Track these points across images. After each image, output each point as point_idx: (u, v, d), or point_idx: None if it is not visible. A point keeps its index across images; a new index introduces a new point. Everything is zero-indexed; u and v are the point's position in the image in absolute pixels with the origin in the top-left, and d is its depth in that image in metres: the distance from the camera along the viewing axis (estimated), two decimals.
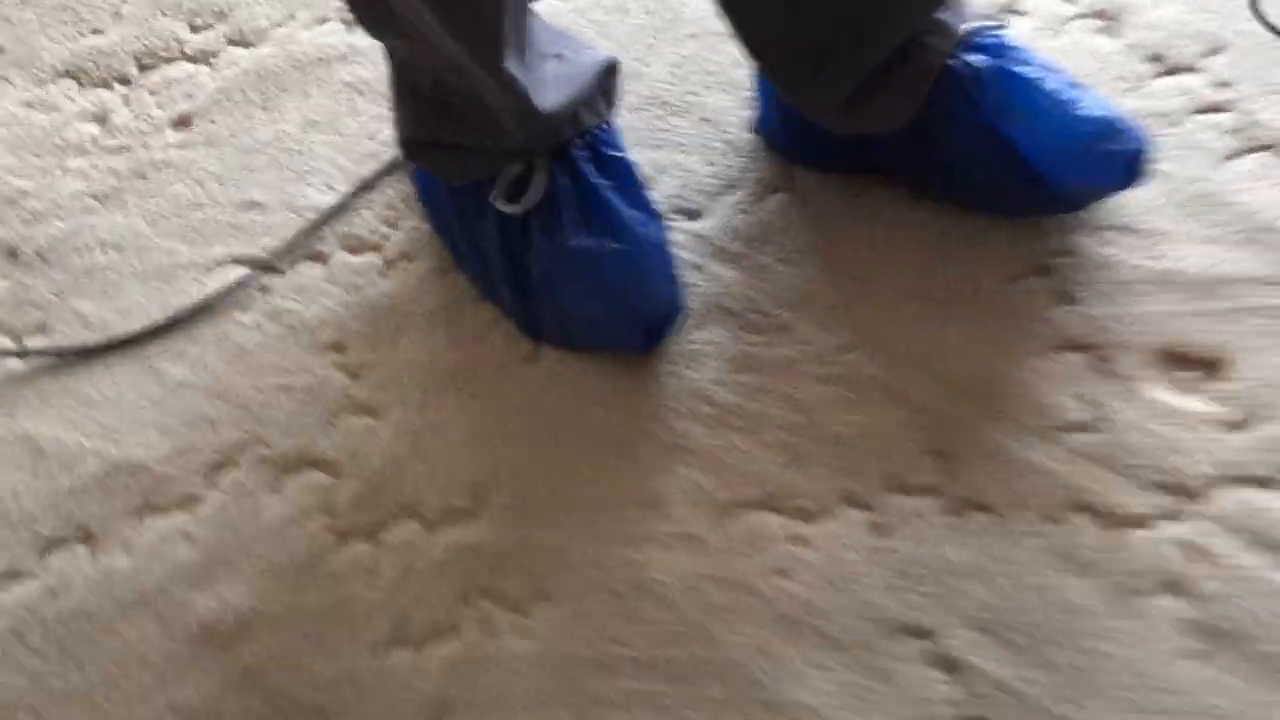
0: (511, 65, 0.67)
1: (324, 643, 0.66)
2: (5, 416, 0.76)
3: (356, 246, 0.82)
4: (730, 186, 0.81)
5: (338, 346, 0.77)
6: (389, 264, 0.81)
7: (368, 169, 0.86)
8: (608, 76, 0.76)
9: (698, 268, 0.78)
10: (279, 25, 0.94)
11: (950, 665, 0.63)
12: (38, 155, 0.88)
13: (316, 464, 0.73)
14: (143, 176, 0.87)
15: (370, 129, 0.88)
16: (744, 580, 0.66)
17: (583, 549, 0.68)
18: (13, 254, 0.83)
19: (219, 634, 0.67)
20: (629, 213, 0.73)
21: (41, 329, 0.80)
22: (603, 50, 0.76)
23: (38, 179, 0.87)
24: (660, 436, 0.72)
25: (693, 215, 0.81)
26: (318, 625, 0.67)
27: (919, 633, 0.64)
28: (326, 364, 0.77)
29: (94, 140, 0.89)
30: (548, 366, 0.75)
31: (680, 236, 0.79)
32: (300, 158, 0.87)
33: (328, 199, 0.84)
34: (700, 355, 0.74)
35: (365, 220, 0.83)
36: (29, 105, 0.91)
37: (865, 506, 0.68)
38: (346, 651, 0.66)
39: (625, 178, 0.75)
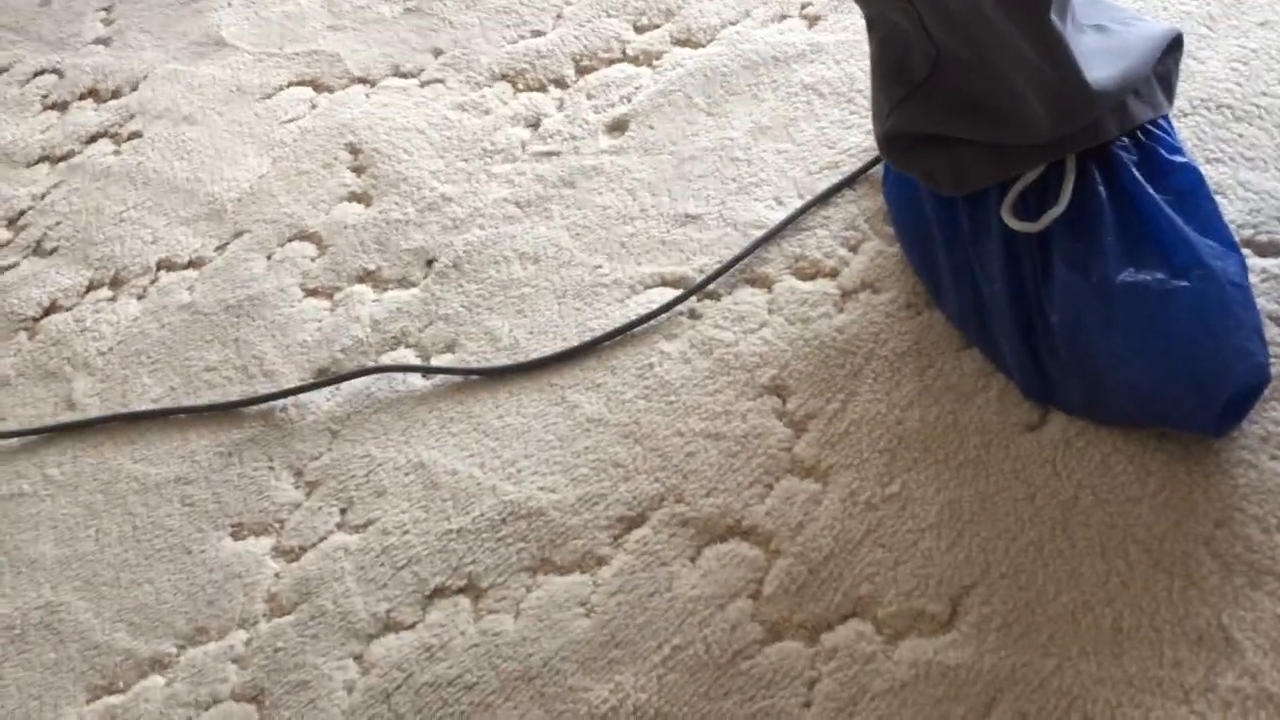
0: (1056, 20, 0.49)
1: None
2: (402, 441, 0.67)
3: (807, 271, 0.67)
4: None
5: (779, 390, 0.62)
6: (846, 294, 0.65)
7: (825, 182, 0.71)
8: (1169, 55, 0.57)
9: (1277, 320, 0.56)
10: (732, 23, 0.82)
11: None
12: (465, 160, 0.81)
13: (745, 534, 0.58)
14: (570, 185, 0.77)
15: (829, 136, 0.73)
16: None
17: (1108, 696, 0.48)
18: (429, 262, 0.75)
19: None
20: (1199, 240, 0.53)
21: (450, 346, 0.71)
22: (1159, 22, 0.57)
23: (463, 184, 0.79)
24: (1228, 551, 0.50)
25: (1269, 251, 0.59)
26: None
27: None
28: (765, 411, 0.62)
29: (524, 145, 0.81)
30: (1058, 438, 0.56)
31: (1254, 279, 0.58)
32: (746, 167, 0.74)
33: (776, 215, 0.70)
34: None
35: (819, 241, 0.68)
36: (461, 108, 0.84)
37: None
38: None
39: (1190, 191, 0.55)
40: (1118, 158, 0.55)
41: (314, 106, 0.89)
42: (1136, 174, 0.55)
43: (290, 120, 0.88)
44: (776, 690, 0.52)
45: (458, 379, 0.69)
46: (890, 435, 0.59)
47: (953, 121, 0.55)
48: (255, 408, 0.70)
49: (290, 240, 0.80)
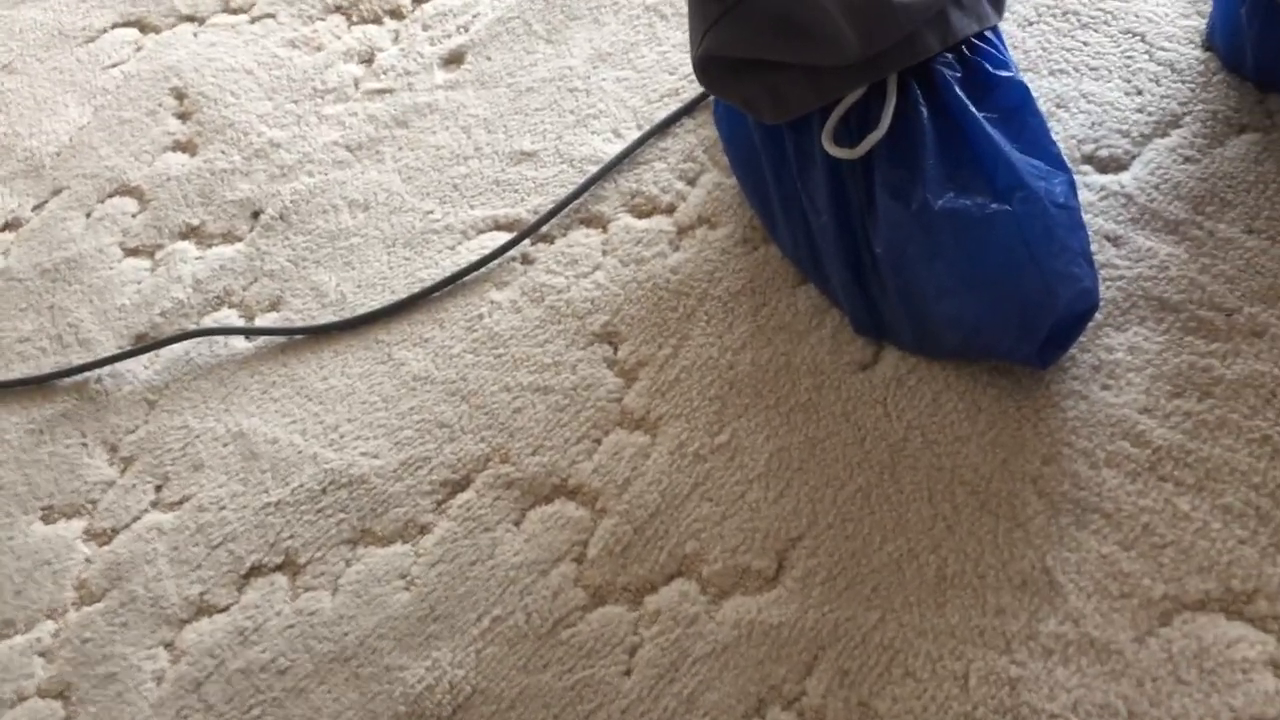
0: None
1: None
2: (222, 409, 0.63)
3: (644, 208, 0.63)
4: (1168, 124, 0.56)
5: (611, 337, 0.59)
6: (682, 231, 0.62)
7: (665, 111, 0.67)
8: None
9: (1116, 240, 0.54)
10: None
11: None
12: (295, 102, 0.76)
13: (571, 493, 0.55)
14: (404, 124, 0.72)
15: (671, 61, 0.69)
16: None
17: (929, 648, 0.46)
18: (255, 214, 0.71)
19: (428, 716, 0.50)
20: (1021, 159, 0.50)
21: (274, 304, 0.66)
22: None
23: (292, 128, 0.74)
24: (1055, 489, 0.48)
25: (1109, 166, 0.56)
26: (553, 718, 0.49)
27: None
28: (595, 360, 0.59)
29: (356, 83, 0.76)
30: (891, 378, 0.53)
31: (1092, 196, 0.55)
32: (585, 98, 0.69)
33: (613, 149, 0.66)
34: (1120, 369, 0.50)
35: (657, 175, 0.64)
36: (293, 45, 0.79)
37: None
38: None
39: (1016, 108, 0.52)
40: (940, 76, 0.52)
41: (139, 49, 0.83)
42: (959, 92, 0.51)
43: (113, 65, 0.82)
44: (596, 659, 0.50)
45: (281, 339, 0.65)
46: (721, 381, 0.56)
47: (764, 42, 0.51)
48: (68, 380, 0.66)
49: (110, 196, 0.75)
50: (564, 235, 0.64)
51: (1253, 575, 0.44)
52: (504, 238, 0.65)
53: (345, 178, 0.71)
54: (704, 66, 0.54)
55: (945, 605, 0.47)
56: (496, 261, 0.64)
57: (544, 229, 0.64)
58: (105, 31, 0.85)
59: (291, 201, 0.71)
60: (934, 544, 0.48)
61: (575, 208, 0.65)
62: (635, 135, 0.66)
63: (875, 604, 0.48)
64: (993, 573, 0.47)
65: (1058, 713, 0.43)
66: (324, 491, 0.58)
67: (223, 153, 0.75)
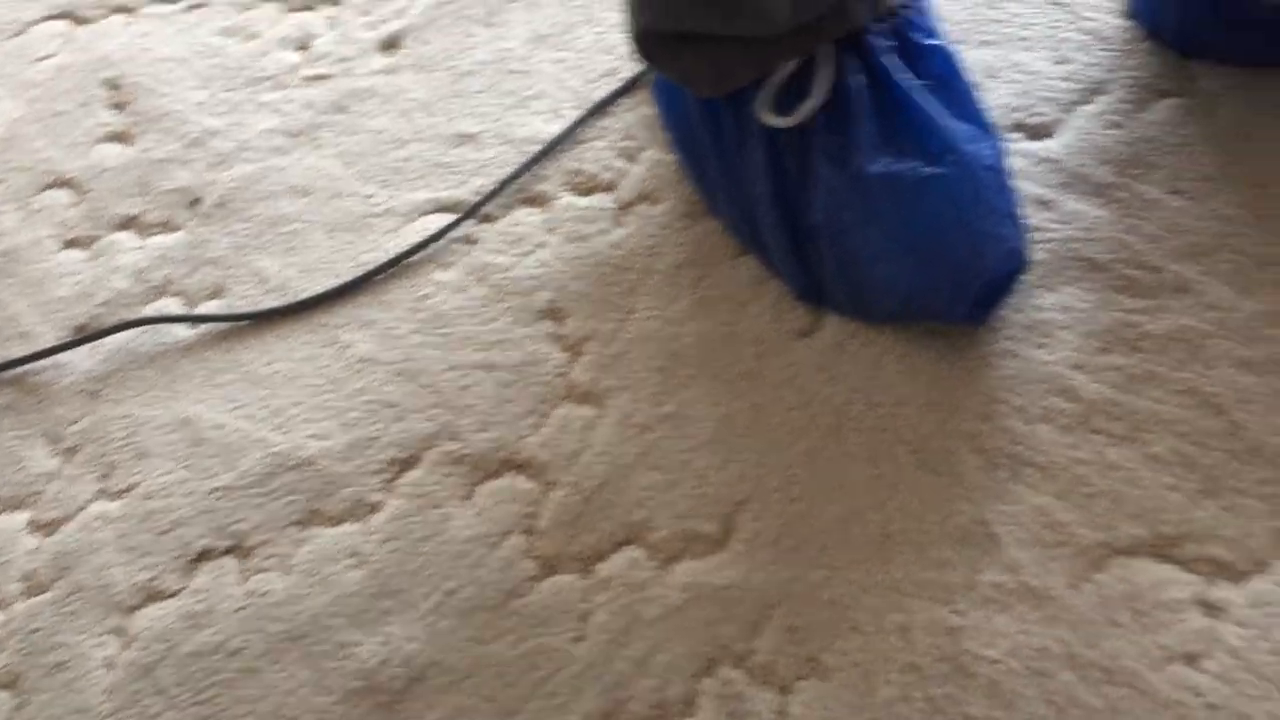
0: None
1: (513, 713, 0.48)
2: (166, 397, 0.62)
3: (585, 186, 0.64)
4: (1094, 91, 0.58)
5: (555, 314, 0.60)
6: (624, 208, 0.62)
7: (603, 90, 0.67)
8: None
9: (1046, 204, 0.55)
10: None
11: None
12: (231, 89, 0.75)
13: (520, 467, 0.55)
14: (342, 109, 0.72)
15: (608, 41, 0.70)
16: (1123, 666, 0.44)
17: (874, 602, 0.47)
18: (194, 203, 0.70)
19: (382, 689, 0.50)
20: (952, 125, 0.51)
21: (217, 291, 0.66)
22: None
23: (228, 116, 0.74)
24: (991, 444, 0.49)
25: (1038, 133, 0.58)
26: (507, 687, 0.49)
27: None
28: (540, 336, 0.59)
29: (293, 69, 0.75)
30: (830, 343, 0.54)
31: (1023, 163, 0.56)
32: (524, 80, 0.70)
33: (553, 129, 0.67)
34: (1052, 328, 0.52)
35: (597, 153, 0.65)
36: (227, 33, 0.79)
37: None
38: None
39: (946, 76, 0.53)
40: (873, 45, 0.53)
41: (70, 41, 0.82)
42: (891, 61, 0.52)
43: (44, 58, 0.81)
44: (549, 627, 0.50)
45: (225, 326, 0.65)
46: (666, 352, 0.57)
47: (699, 15, 0.52)
48: (8, 373, 0.65)
49: (46, 188, 0.74)
50: (507, 215, 0.64)
51: (1181, 520, 0.46)
52: (447, 219, 0.65)
53: (284, 164, 0.71)
54: (642, 41, 0.55)
55: (888, 561, 0.48)
56: (440, 243, 0.64)
57: (486, 209, 0.65)
58: (35, 24, 0.84)
59: (231, 189, 0.70)
60: (877, 503, 0.49)
61: (517, 187, 0.65)
62: (575, 115, 0.67)
63: (821, 563, 0.49)
64: (934, 528, 0.48)
65: (997, 658, 0.45)
66: (272, 474, 0.58)
67: (158, 142, 0.74)
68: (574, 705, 0.48)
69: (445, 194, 0.66)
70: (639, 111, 0.66)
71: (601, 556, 0.52)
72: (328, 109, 0.72)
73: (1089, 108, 0.57)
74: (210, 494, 0.58)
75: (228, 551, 0.56)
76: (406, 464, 0.57)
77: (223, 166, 0.72)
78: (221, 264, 0.67)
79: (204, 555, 0.56)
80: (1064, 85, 0.58)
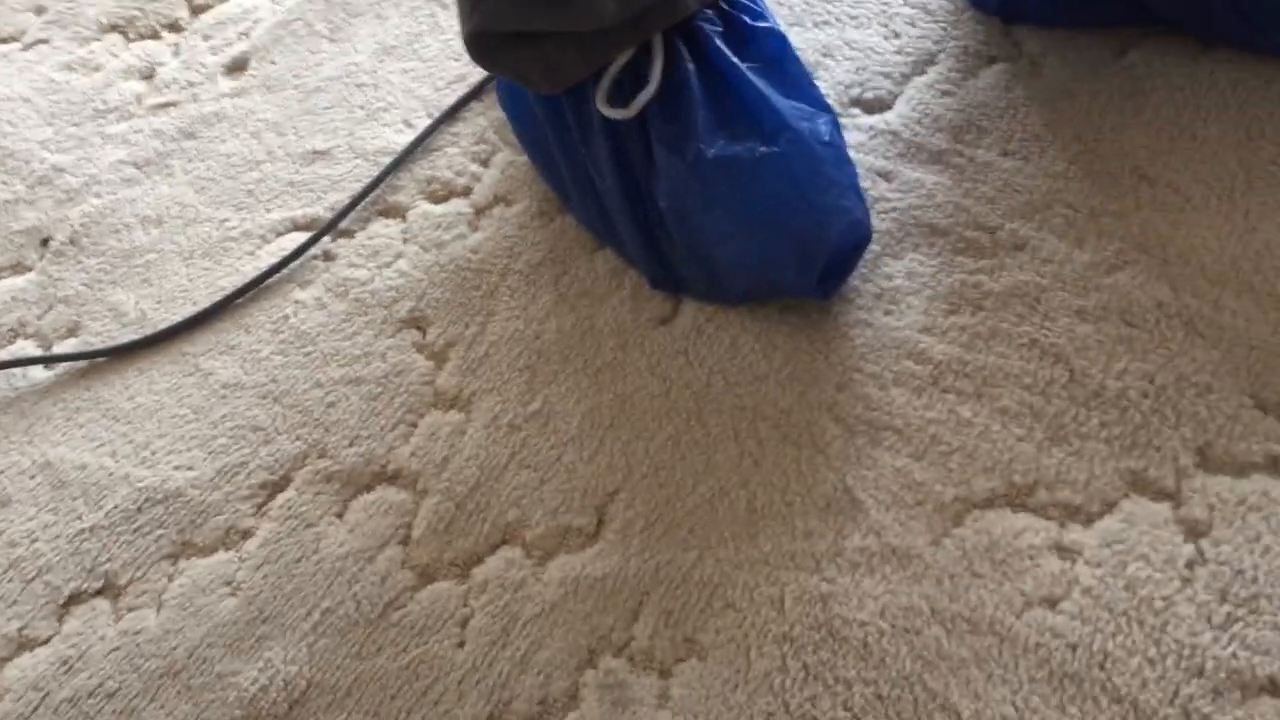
0: None
1: None
2: (25, 441, 0.61)
3: (440, 193, 0.64)
4: (925, 62, 0.59)
5: (418, 322, 0.59)
6: (479, 212, 0.62)
7: (453, 97, 0.67)
8: None
9: (886, 175, 0.56)
10: None
11: None
12: (76, 124, 0.74)
13: (391, 479, 0.55)
14: (191, 136, 0.71)
15: (455, 48, 0.70)
16: (987, 615, 0.45)
17: (745, 578, 0.48)
18: (44, 242, 0.69)
19: (264, 716, 0.50)
20: (785, 104, 0.52)
21: (73, 330, 0.65)
22: None
23: (75, 151, 0.72)
24: (849, 413, 0.50)
25: (875, 107, 0.59)
26: (390, 699, 0.49)
27: (1276, 689, 0.41)
28: (404, 346, 0.59)
29: (139, 99, 0.74)
30: (689, 327, 0.55)
31: (860, 136, 0.58)
32: (373, 92, 0.69)
33: (405, 139, 0.66)
34: (899, 294, 0.53)
35: (450, 160, 0.65)
36: (69, 68, 0.77)
37: (1169, 496, 0.45)
38: None
39: (777, 57, 0.54)
40: (702, 31, 0.54)
41: None
42: (721, 45, 0.53)
43: None
44: (429, 635, 0.50)
45: (83, 364, 0.63)
46: (529, 351, 0.57)
47: (527, 13, 0.52)
48: None
49: None
50: (363, 228, 0.64)
51: (1032, 469, 0.47)
52: (304, 237, 0.64)
53: (135, 195, 0.69)
54: (474, 43, 0.55)
55: (757, 536, 0.49)
56: (298, 261, 0.63)
57: (343, 224, 0.64)
58: None
59: (81, 225, 0.69)
60: (742, 480, 0.50)
61: (372, 200, 0.65)
62: (426, 123, 0.67)
63: (692, 544, 0.49)
64: (799, 499, 0.49)
65: (867, 620, 0.46)
66: (139, 510, 0.57)
67: (4, 183, 0.72)
68: (458, 711, 0.48)
69: (300, 212, 0.66)
70: (489, 115, 0.66)
71: (478, 560, 0.52)
72: (177, 136, 0.71)
73: (922, 79, 0.59)
74: (77, 536, 0.57)
75: (98, 593, 0.55)
76: (277, 486, 0.56)
77: (72, 203, 0.70)
78: (75, 301, 0.66)
79: (74, 599, 0.55)
80: (897, 59, 0.60)
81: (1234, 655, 0.42)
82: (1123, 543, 0.45)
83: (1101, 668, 0.43)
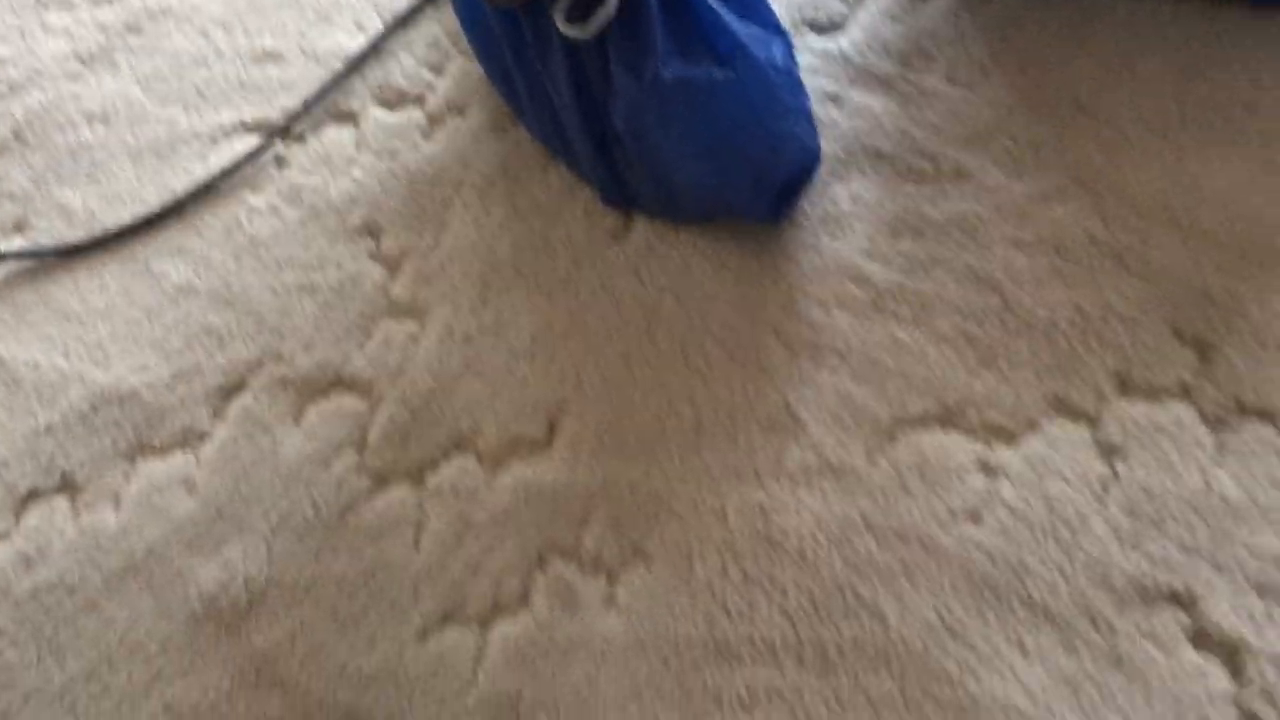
0: None
1: (355, 623, 0.50)
2: None
3: (393, 100, 0.64)
4: None
5: (371, 231, 0.60)
6: (433, 121, 0.63)
7: (406, 1, 0.67)
8: None
9: (835, 99, 0.58)
10: None
11: (1227, 648, 0.44)
12: (15, 14, 0.72)
13: (347, 385, 0.56)
14: (137, 30, 0.70)
15: None
16: (915, 528, 0.48)
17: (690, 490, 0.50)
18: None
19: (225, 612, 0.52)
20: (741, 28, 0.53)
21: (19, 227, 0.64)
22: None
23: (15, 42, 0.71)
24: (793, 333, 0.52)
25: (824, 29, 0.60)
26: (347, 599, 0.51)
27: (1175, 599, 0.45)
28: (358, 254, 0.59)
29: None
30: (641, 245, 0.56)
31: (813, 60, 0.59)
32: None
33: (357, 42, 0.66)
34: (844, 218, 0.55)
35: (404, 66, 0.65)
36: None
37: (1088, 419, 0.48)
38: (384, 634, 0.50)
39: None
40: None
41: None
42: None
43: None
44: (385, 539, 0.52)
45: (31, 263, 0.63)
46: (483, 263, 0.58)
47: None
48: None
49: None
50: (316, 134, 0.64)
51: (962, 391, 0.50)
52: (254, 140, 0.64)
53: (80, 90, 0.68)
54: None
55: (703, 450, 0.51)
56: (250, 165, 0.63)
57: (295, 129, 0.64)
58: None
59: (24, 120, 0.68)
60: (690, 396, 0.52)
61: (325, 105, 0.65)
62: (378, 26, 0.66)
63: (640, 457, 0.51)
64: (743, 417, 0.51)
65: (804, 531, 0.48)
66: (94, 410, 0.58)
67: None
68: (413, 611, 0.50)
69: (251, 114, 0.65)
70: (444, 22, 0.66)
71: (432, 467, 0.53)
72: (121, 30, 0.70)
73: (874, 3, 0.60)
74: (31, 434, 0.58)
75: (56, 491, 0.56)
76: (233, 390, 0.57)
77: (13, 96, 0.69)
78: (21, 199, 0.65)
79: (32, 496, 0.56)
80: None
81: (1139, 568, 0.45)
82: (1044, 462, 0.48)
83: (1019, 578, 0.46)
